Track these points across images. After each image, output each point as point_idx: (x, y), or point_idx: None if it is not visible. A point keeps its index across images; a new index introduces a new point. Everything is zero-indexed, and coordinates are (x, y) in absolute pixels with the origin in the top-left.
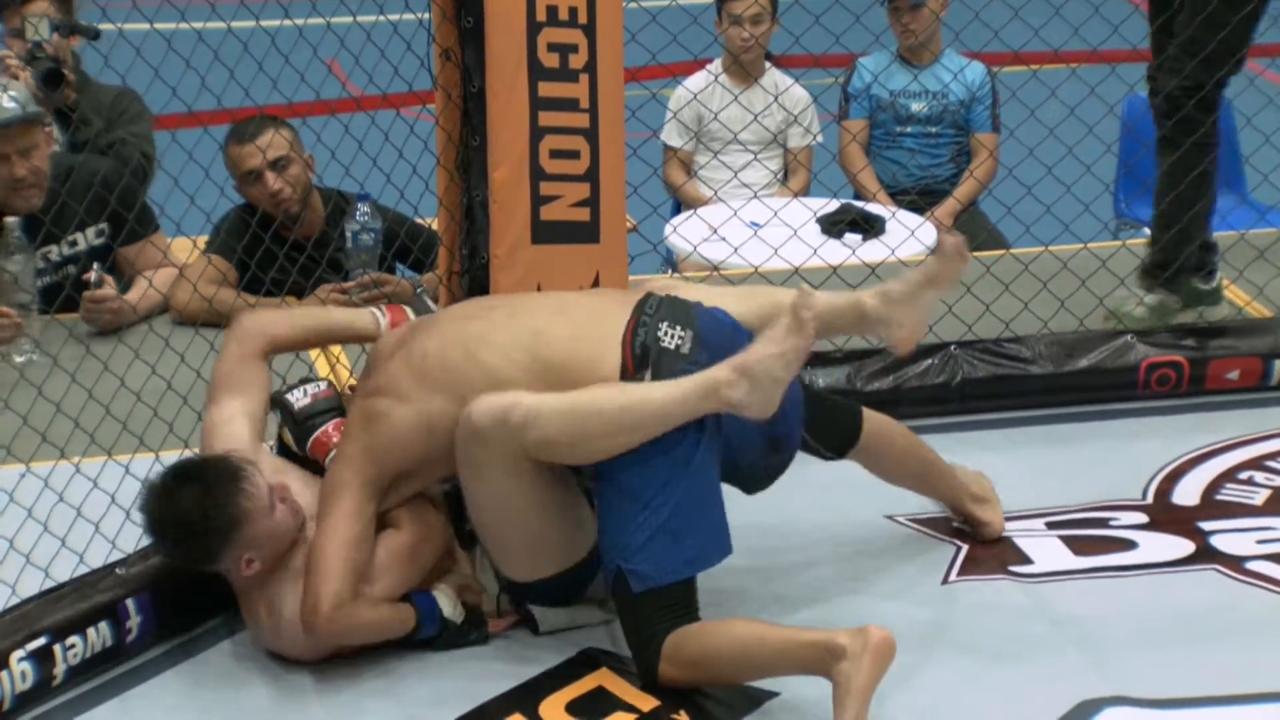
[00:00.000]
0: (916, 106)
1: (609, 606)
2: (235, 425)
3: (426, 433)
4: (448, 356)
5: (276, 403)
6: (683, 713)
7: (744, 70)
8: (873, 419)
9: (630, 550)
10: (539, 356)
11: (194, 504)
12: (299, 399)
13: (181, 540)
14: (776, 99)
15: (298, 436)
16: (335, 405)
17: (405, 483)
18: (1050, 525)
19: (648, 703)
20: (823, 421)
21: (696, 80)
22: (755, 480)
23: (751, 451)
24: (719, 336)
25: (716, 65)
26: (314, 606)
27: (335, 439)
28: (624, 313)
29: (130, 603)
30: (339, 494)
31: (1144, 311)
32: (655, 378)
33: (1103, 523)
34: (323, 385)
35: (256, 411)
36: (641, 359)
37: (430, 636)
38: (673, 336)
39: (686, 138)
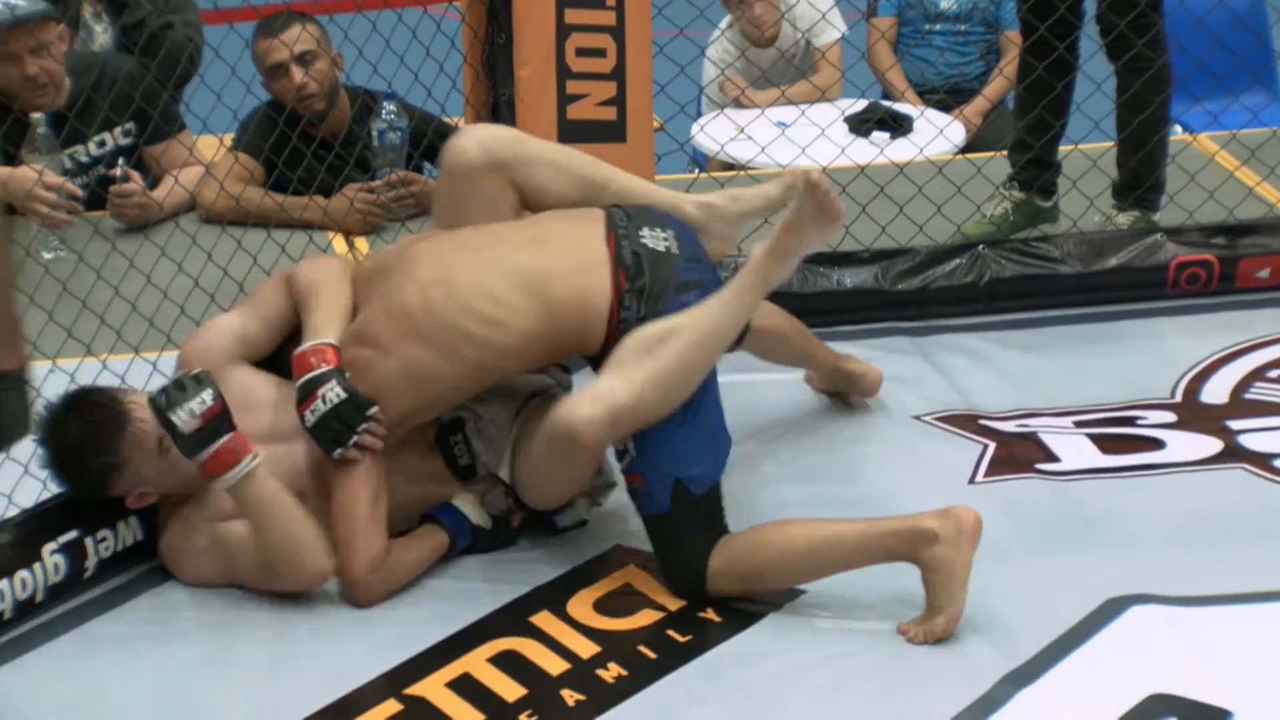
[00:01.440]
0: (946, 3)
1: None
2: (216, 334)
3: (414, 386)
4: (436, 311)
5: (155, 408)
6: (710, 610)
7: (766, 39)
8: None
9: (682, 459)
10: (536, 293)
11: (76, 442)
12: (184, 421)
13: (64, 472)
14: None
15: (184, 453)
16: (225, 424)
17: (400, 426)
18: (1078, 424)
19: (675, 601)
20: None
21: (715, 51)
22: None
23: None
24: (682, 228)
25: (727, 35)
26: (353, 574)
27: (235, 455)
28: (599, 230)
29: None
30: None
31: (989, 222)
32: (655, 282)
33: (1131, 421)
34: (209, 399)
35: (253, 330)
36: (635, 268)
37: (466, 546)
38: (657, 239)
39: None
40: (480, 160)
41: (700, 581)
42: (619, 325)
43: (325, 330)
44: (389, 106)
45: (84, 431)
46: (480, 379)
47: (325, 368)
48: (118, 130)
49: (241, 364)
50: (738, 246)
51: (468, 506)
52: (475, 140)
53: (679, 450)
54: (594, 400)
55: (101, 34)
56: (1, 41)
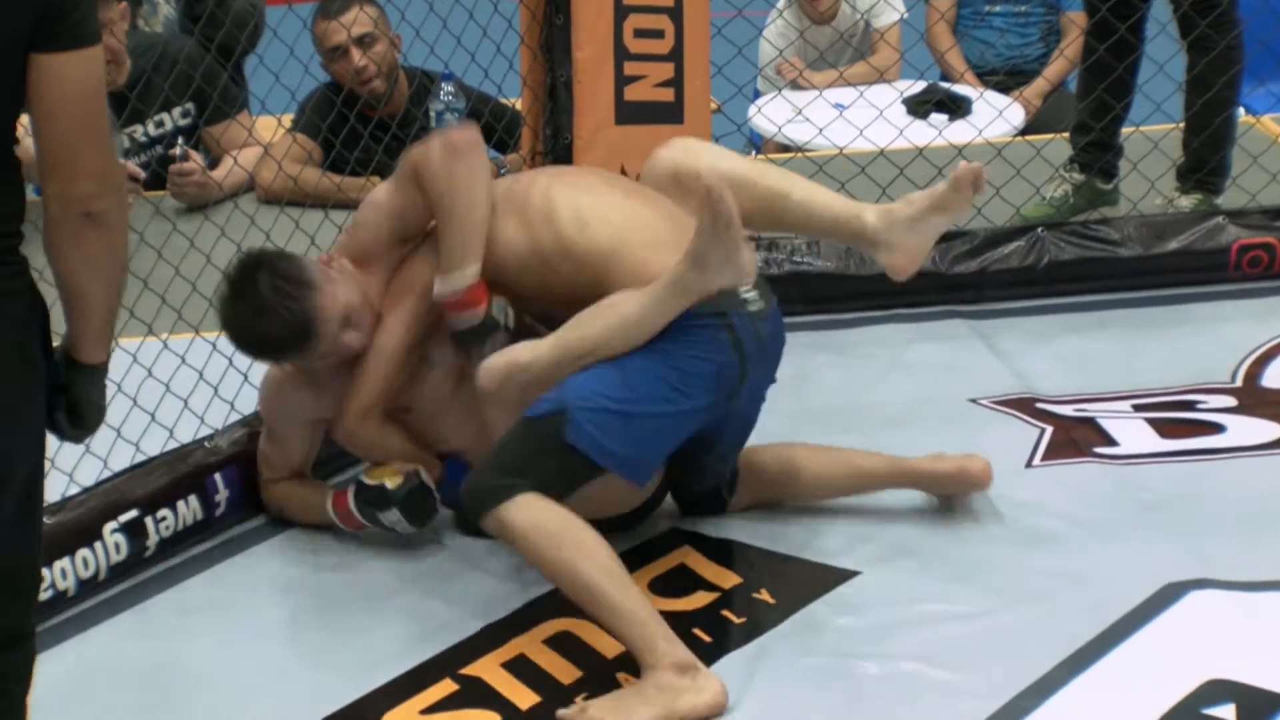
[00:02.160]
0: None
1: None
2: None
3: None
4: (555, 219)
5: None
6: (764, 591)
7: (824, 15)
8: (760, 453)
9: (591, 406)
10: (611, 247)
11: (270, 289)
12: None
13: (254, 321)
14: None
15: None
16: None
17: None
18: (1137, 408)
19: (729, 580)
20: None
21: (772, 31)
22: (705, 478)
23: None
24: (775, 341)
25: (785, 14)
26: (347, 410)
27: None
28: None
29: (218, 477)
30: (408, 292)
31: (1048, 204)
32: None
33: (1190, 405)
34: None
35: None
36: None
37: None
38: (748, 290)
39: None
40: (667, 177)
41: (488, 496)
42: None
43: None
44: (447, 87)
45: (274, 281)
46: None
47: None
48: (176, 110)
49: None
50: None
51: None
52: (667, 156)
53: (594, 396)
54: (500, 354)
55: (165, 6)
56: None
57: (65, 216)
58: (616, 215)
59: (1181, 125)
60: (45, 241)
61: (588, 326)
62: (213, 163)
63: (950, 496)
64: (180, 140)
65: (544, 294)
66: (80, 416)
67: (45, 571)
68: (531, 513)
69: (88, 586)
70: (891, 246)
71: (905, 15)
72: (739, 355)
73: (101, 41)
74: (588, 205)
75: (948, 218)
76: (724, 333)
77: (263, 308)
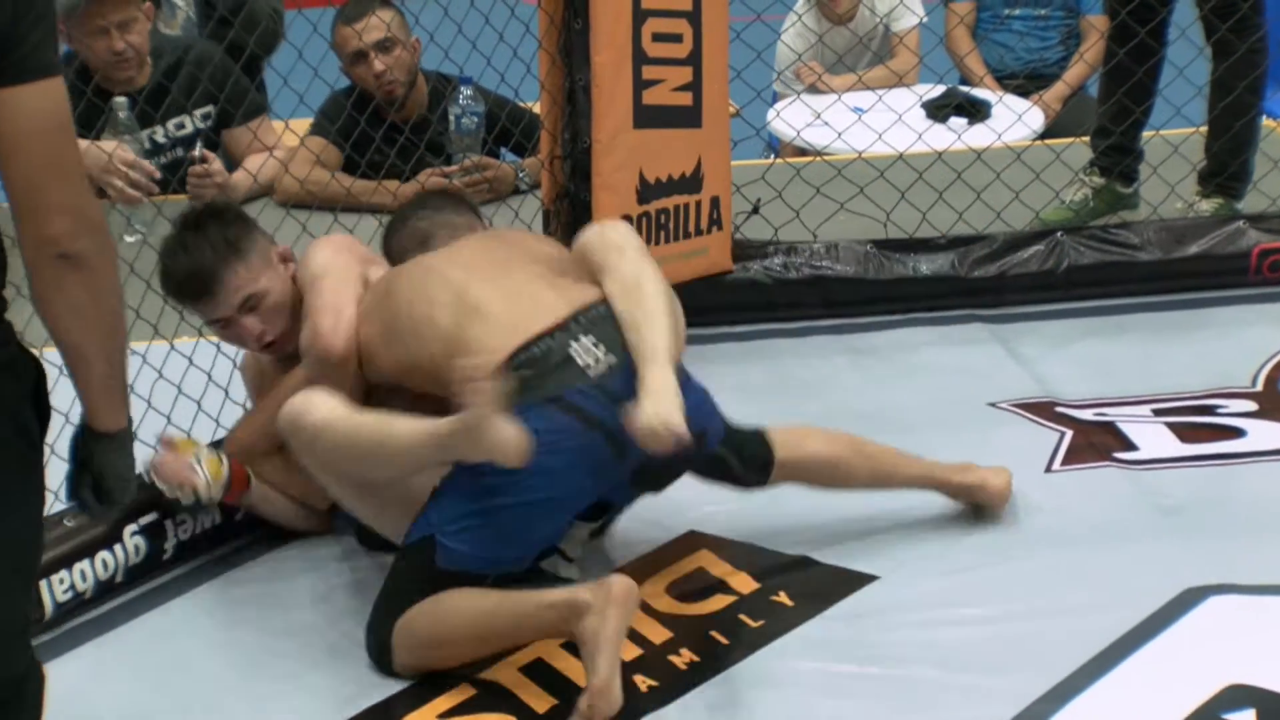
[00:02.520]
0: None
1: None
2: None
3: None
4: (396, 299)
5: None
6: (782, 594)
7: (842, 14)
8: (781, 430)
9: (451, 521)
10: (455, 329)
11: (203, 221)
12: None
13: (185, 253)
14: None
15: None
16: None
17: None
18: (1157, 412)
19: (747, 585)
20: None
21: (790, 34)
22: (659, 479)
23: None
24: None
25: (804, 4)
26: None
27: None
28: (557, 313)
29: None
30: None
31: (1068, 208)
32: (530, 381)
33: (1211, 410)
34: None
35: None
36: (533, 359)
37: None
38: (588, 352)
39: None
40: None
41: (384, 650)
42: None
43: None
44: (465, 91)
45: (210, 216)
46: (398, 374)
47: None
48: (197, 113)
49: None
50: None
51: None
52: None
53: (454, 511)
54: (305, 395)
55: (183, 9)
56: (91, 15)
57: (40, 261)
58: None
59: (1203, 129)
60: (31, 295)
61: (351, 430)
62: (233, 168)
63: (972, 504)
64: (199, 142)
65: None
66: (106, 490)
67: (64, 574)
68: (405, 620)
69: (106, 588)
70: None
71: (924, 19)
72: (598, 429)
73: (60, 73)
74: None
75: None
76: (566, 415)
77: (186, 243)
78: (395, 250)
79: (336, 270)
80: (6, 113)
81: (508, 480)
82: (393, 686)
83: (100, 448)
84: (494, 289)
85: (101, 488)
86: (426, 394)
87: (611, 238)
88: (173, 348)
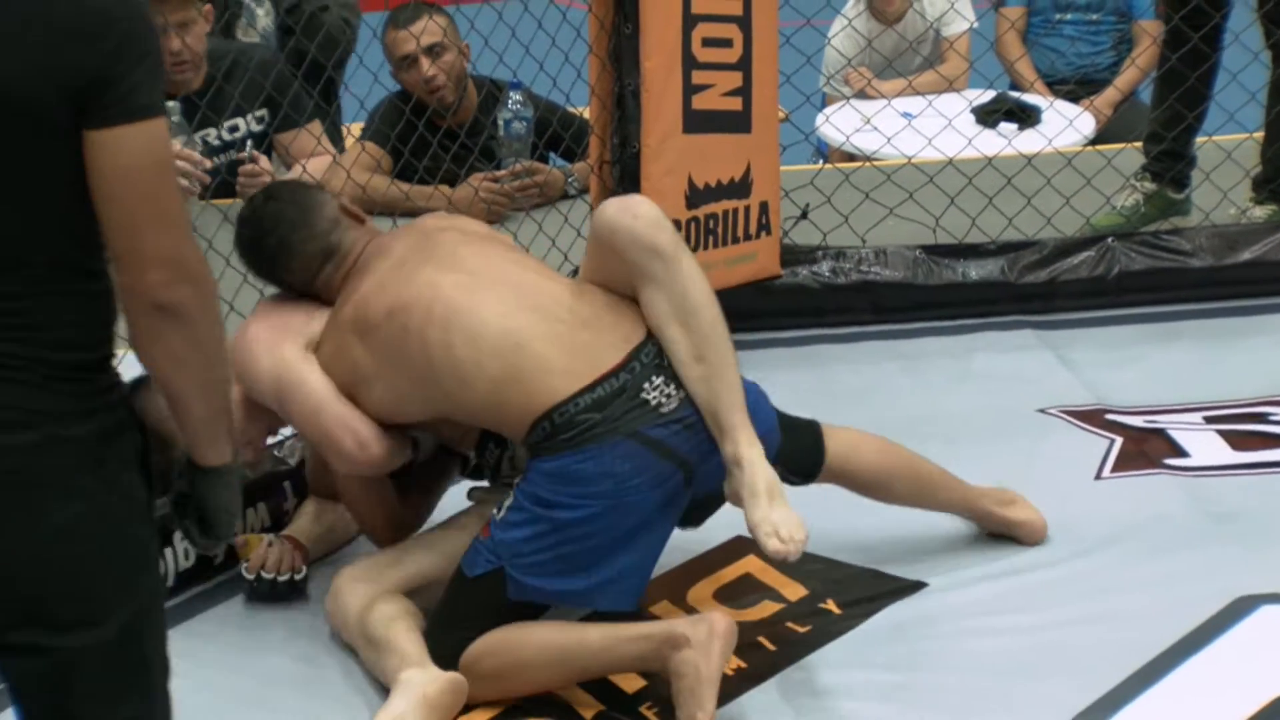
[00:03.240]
0: None
1: None
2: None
3: (394, 407)
4: (429, 344)
5: None
6: (830, 601)
7: (890, 15)
8: (838, 433)
9: (522, 556)
10: (506, 373)
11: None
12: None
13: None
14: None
15: None
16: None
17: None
18: (1208, 419)
19: (795, 591)
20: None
21: (838, 39)
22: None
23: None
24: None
25: (853, 7)
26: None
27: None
28: (621, 350)
29: (288, 485)
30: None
31: (1118, 214)
32: (601, 422)
33: (1262, 418)
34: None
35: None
36: (602, 401)
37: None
38: (660, 391)
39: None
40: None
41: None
42: (532, 429)
43: None
44: (515, 96)
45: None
46: (440, 423)
47: None
48: (250, 116)
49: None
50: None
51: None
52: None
53: (526, 546)
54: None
55: (264, 17)
56: (154, 13)
57: (138, 309)
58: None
59: (1258, 135)
60: (129, 339)
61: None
62: (284, 170)
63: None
64: (250, 144)
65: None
66: (209, 523)
67: None
68: (477, 649)
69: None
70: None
71: (975, 24)
72: (671, 459)
73: (163, 114)
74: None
75: None
76: (643, 449)
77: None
78: (298, 281)
79: (292, 377)
80: (104, 155)
81: (584, 514)
82: None
83: (203, 480)
84: (542, 322)
85: (205, 520)
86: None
87: (645, 236)
88: None
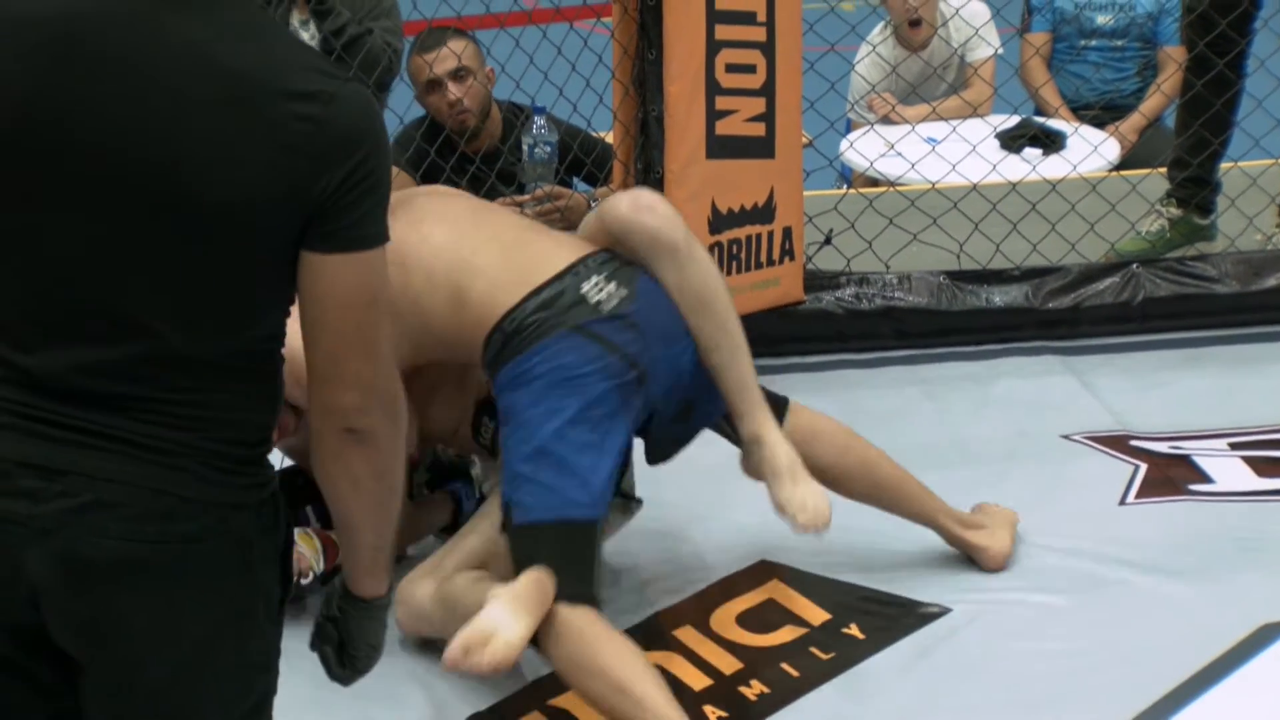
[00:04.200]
0: (1102, 19)
1: None
2: None
3: None
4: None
5: None
6: (853, 626)
7: (916, 43)
8: (803, 415)
9: (513, 479)
10: (456, 295)
11: None
12: None
13: None
14: (946, 22)
15: None
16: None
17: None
18: (1234, 446)
19: (818, 616)
20: None
21: (864, 65)
22: (659, 446)
23: (663, 413)
24: (657, 313)
25: (879, 34)
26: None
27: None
28: (565, 260)
29: (309, 510)
30: None
31: (1143, 240)
32: (547, 320)
33: None
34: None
35: None
36: (547, 301)
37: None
38: (600, 291)
39: (873, 119)
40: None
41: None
42: (487, 343)
43: None
44: (539, 121)
45: None
46: (421, 351)
47: None
48: None
49: None
50: None
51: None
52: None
53: (512, 471)
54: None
55: (309, 40)
56: None
57: (327, 430)
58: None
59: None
60: (311, 456)
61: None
62: None
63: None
64: None
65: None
66: (350, 655)
67: None
68: (556, 636)
69: None
70: (749, 454)
71: (1000, 50)
72: (618, 353)
73: (383, 244)
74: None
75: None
76: (590, 342)
77: None
78: None
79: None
80: (318, 278)
81: (544, 413)
82: (462, 713)
83: (354, 610)
84: (488, 244)
85: (347, 651)
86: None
87: (660, 233)
88: None
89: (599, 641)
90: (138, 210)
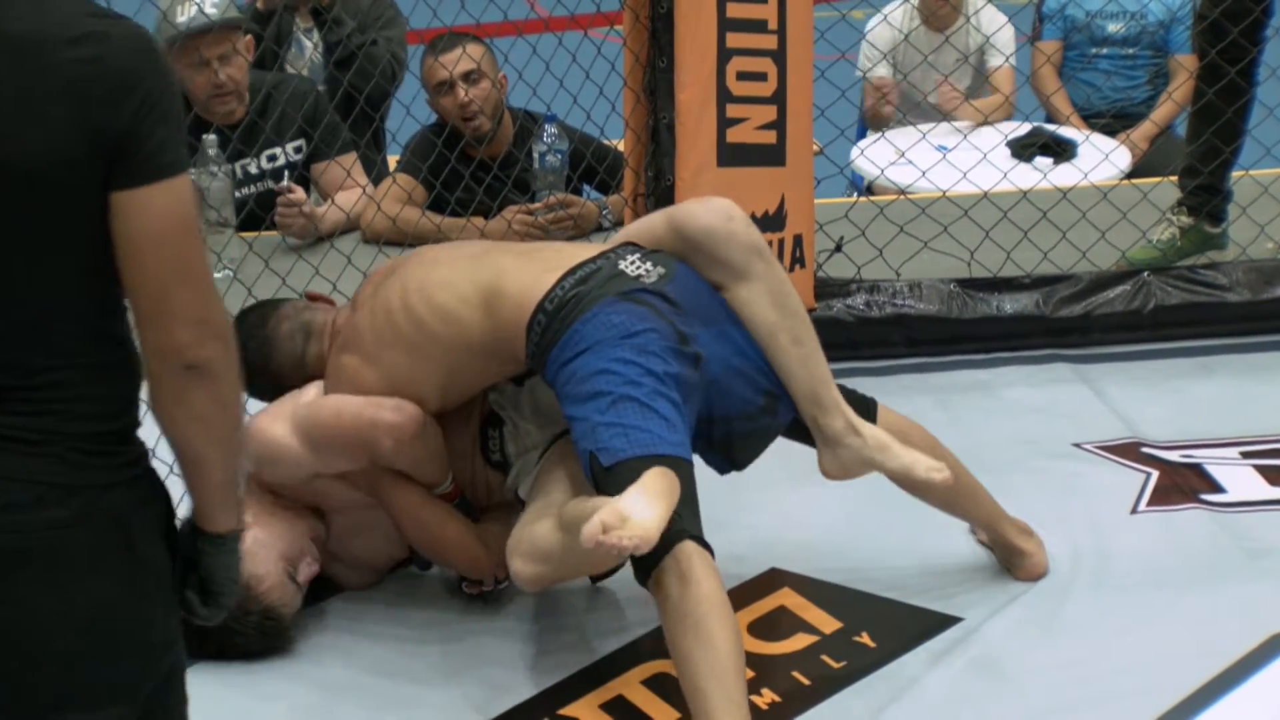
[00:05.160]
0: (1113, 27)
1: None
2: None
3: (394, 391)
4: (412, 309)
5: None
6: (865, 635)
7: (939, 20)
8: (892, 416)
9: (593, 435)
10: (489, 288)
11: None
12: None
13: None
14: (969, 19)
15: None
16: None
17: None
18: (1245, 454)
19: (830, 625)
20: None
21: (896, 18)
22: (741, 443)
23: (748, 404)
24: (696, 294)
25: (903, 14)
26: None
27: None
28: (593, 249)
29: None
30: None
31: (1154, 248)
32: (591, 291)
33: None
34: None
35: None
36: (584, 277)
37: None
38: (637, 267)
39: (885, 67)
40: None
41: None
42: (530, 328)
43: None
44: (550, 129)
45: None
46: (456, 381)
47: None
48: (289, 146)
49: None
50: None
51: None
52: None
53: (587, 427)
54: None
55: (313, 49)
56: (193, 47)
57: (165, 371)
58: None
59: None
60: (149, 401)
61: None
62: (322, 200)
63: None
64: (287, 173)
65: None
66: (213, 593)
67: None
68: (683, 579)
69: None
70: (836, 452)
71: (1013, 61)
72: (666, 319)
73: (186, 171)
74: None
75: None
76: (639, 306)
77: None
78: (288, 366)
79: (304, 414)
80: (131, 216)
81: (609, 367)
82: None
83: (211, 547)
84: (511, 257)
85: (209, 589)
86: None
87: (746, 237)
88: None
89: (714, 603)
90: None
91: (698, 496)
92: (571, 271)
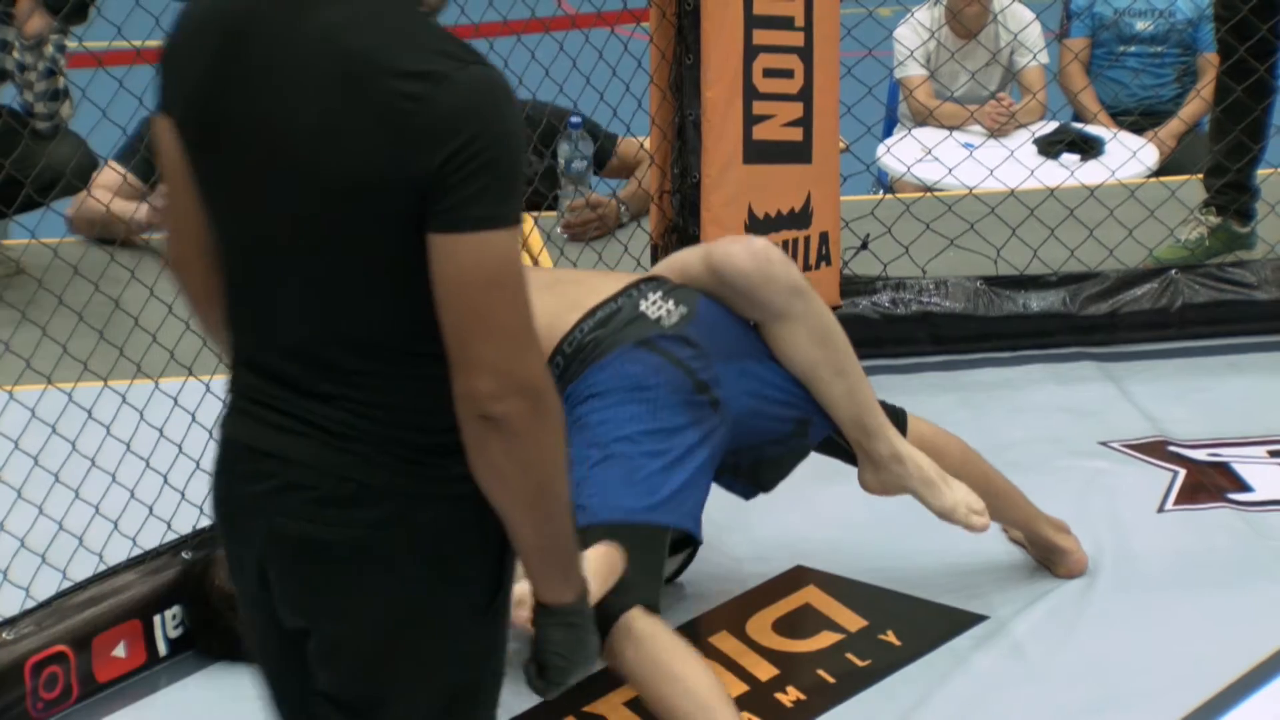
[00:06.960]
0: (1141, 25)
1: None
2: None
3: None
4: None
5: None
6: (890, 633)
7: (967, 19)
8: (921, 427)
9: (579, 487)
10: None
11: None
12: None
13: None
14: (996, 17)
15: None
16: None
17: None
18: (1273, 453)
19: (855, 623)
20: None
21: (924, 21)
22: (770, 465)
23: (778, 431)
24: (718, 331)
25: (930, 17)
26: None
27: None
28: (616, 286)
29: None
30: None
31: (1182, 246)
32: (608, 336)
33: None
34: None
35: None
36: (604, 320)
37: None
38: (658, 308)
39: (920, 67)
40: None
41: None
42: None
43: None
44: (575, 134)
45: None
46: None
47: None
48: None
49: None
50: None
51: None
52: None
53: (577, 475)
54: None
55: None
56: None
57: (465, 416)
58: None
59: None
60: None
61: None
62: None
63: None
64: None
65: None
66: (541, 665)
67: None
68: (635, 640)
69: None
70: (877, 471)
71: (1042, 60)
72: (682, 367)
73: (507, 226)
74: None
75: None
76: (653, 354)
77: None
78: None
79: None
80: (436, 259)
81: (612, 421)
82: None
83: (540, 617)
84: (535, 292)
85: (538, 661)
86: None
87: (786, 279)
88: (157, 387)
89: (675, 649)
90: (283, 192)
91: (661, 561)
92: (591, 313)
